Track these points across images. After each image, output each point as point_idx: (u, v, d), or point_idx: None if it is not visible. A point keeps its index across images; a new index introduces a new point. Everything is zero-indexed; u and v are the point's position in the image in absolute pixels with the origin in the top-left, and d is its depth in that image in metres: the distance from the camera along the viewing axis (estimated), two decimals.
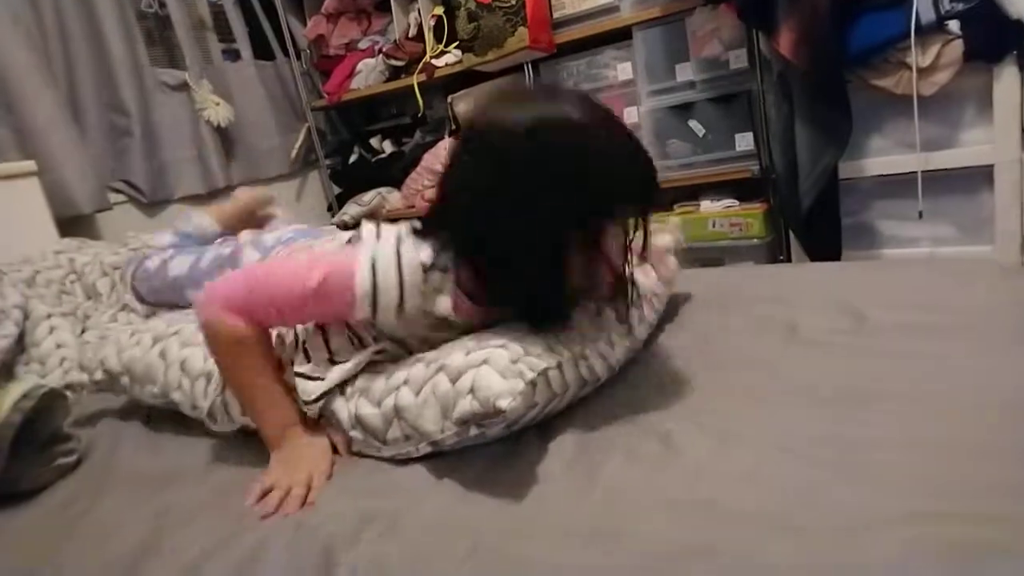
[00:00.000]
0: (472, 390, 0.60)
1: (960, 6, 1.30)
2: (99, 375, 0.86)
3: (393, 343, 0.75)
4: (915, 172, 1.41)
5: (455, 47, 2.01)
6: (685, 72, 1.63)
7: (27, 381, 0.73)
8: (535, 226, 0.63)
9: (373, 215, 2.37)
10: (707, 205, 1.71)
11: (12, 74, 1.62)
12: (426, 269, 0.68)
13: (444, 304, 0.70)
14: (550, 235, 0.64)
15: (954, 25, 1.30)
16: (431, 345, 0.72)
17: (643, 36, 1.66)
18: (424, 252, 0.69)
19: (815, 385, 0.67)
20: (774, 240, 1.63)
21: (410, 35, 2.17)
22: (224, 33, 2.28)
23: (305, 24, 2.42)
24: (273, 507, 0.64)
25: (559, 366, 0.66)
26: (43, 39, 1.77)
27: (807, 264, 1.45)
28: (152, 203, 2.01)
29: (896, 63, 1.36)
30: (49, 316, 1.06)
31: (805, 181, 1.40)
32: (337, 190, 2.53)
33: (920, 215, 1.42)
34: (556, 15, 1.75)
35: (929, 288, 0.89)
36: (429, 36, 2.06)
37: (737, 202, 1.67)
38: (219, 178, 2.12)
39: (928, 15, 1.30)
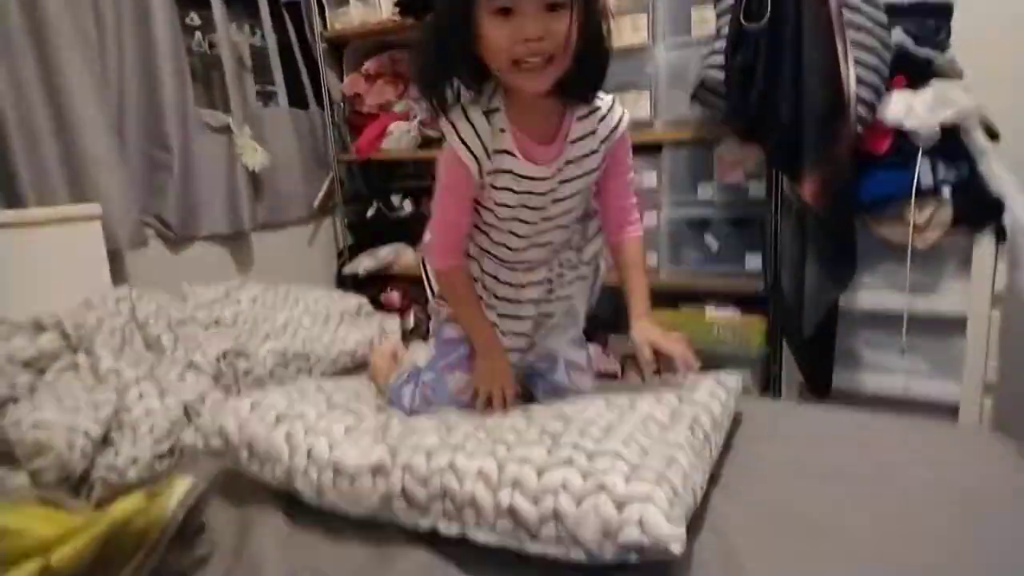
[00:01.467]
0: (640, 524, 0.69)
1: (952, 177, 1.51)
2: (216, 442, 0.92)
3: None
4: (901, 312, 1.60)
5: None
6: (707, 191, 1.81)
7: (186, 479, 0.78)
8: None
9: (385, 270, 2.46)
10: (711, 311, 1.87)
11: (75, 113, 1.67)
12: (485, 111, 0.93)
13: (508, 139, 0.94)
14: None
15: (947, 192, 1.51)
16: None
17: (672, 154, 1.83)
18: (477, 103, 0.94)
19: None
20: (771, 353, 1.79)
21: None
22: (263, 77, 2.37)
23: (341, 77, 2.53)
24: (484, 406, 0.99)
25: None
26: (103, 72, 1.82)
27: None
28: (179, 239, 2.06)
29: (896, 216, 1.55)
30: (138, 381, 1.10)
31: (809, 310, 1.57)
32: (350, 240, 2.61)
33: (903, 352, 1.61)
34: None
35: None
36: None
37: (739, 313, 1.83)
38: (245, 219, 2.18)
39: (927, 180, 1.50)
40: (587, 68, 0.92)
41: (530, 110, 0.95)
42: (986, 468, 0.99)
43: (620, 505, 0.71)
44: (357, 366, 1.47)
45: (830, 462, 1.01)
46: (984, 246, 1.51)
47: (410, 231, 2.46)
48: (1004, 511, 0.87)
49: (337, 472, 0.84)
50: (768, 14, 1.43)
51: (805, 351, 1.62)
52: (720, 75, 1.55)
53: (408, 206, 2.52)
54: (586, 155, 1.00)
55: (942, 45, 1.56)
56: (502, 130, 0.94)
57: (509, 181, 0.97)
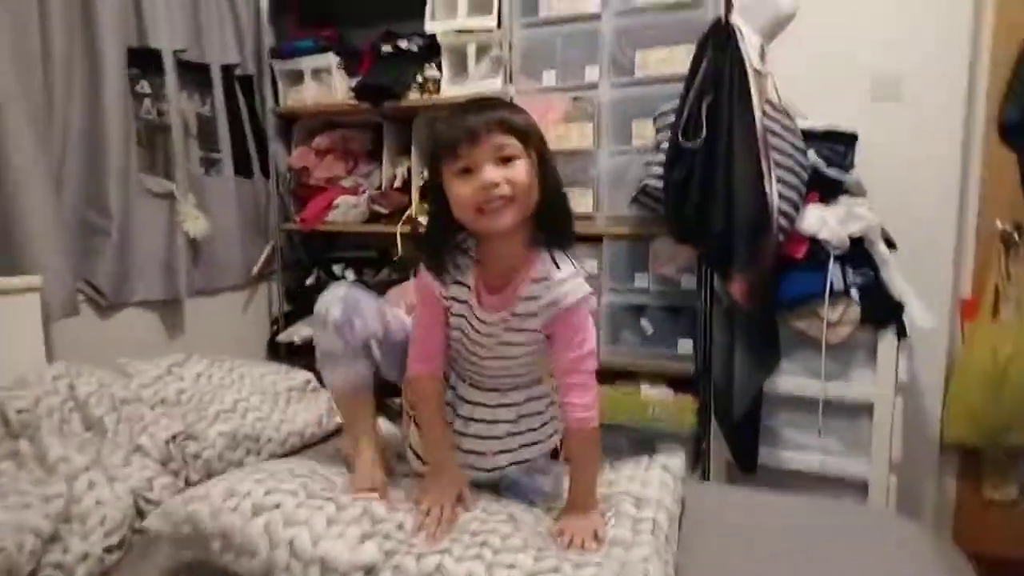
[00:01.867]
0: None
1: (859, 281, 1.71)
2: (186, 530, 0.89)
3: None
4: (818, 397, 1.76)
5: None
6: (643, 280, 1.95)
7: None
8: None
9: None
10: (646, 390, 1.98)
11: (16, 175, 1.61)
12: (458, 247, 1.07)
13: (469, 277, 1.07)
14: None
15: (855, 294, 1.71)
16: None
17: (611, 245, 1.97)
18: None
19: None
20: (701, 432, 1.91)
21: (395, 186, 2.37)
22: (208, 144, 2.35)
23: (290, 149, 2.56)
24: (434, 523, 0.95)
25: None
26: (48, 135, 1.77)
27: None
28: (109, 306, 1.98)
29: (812, 314, 1.73)
30: (87, 468, 1.05)
31: (738, 394, 1.70)
32: (287, 308, 2.58)
33: (819, 432, 1.77)
34: None
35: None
36: (416, 196, 2.27)
37: (672, 393, 1.96)
38: (182, 287, 2.13)
39: (838, 283, 1.70)
40: (551, 216, 1.05)
41: (495, 259, 1.07)
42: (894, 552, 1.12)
43: None
44: (305, 446, 1.46)
45: (766, 551, 1.11)
46: (888, 341, 1.71)
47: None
48: None
49: (325, 569, 0.85)
50: (704, 135, 1.61)
51: (734, 431, 1.75)
52: (659, 184, 1.71)
53: (350, 275, 2.53)
54: (530, 315, 1.06)
55: (848, 167, 1.80)
56: (467, 266, 1.08)
57: (463, 309, 1.09)
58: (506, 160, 0.98)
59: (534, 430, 1.18)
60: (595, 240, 1.99)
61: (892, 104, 2.05)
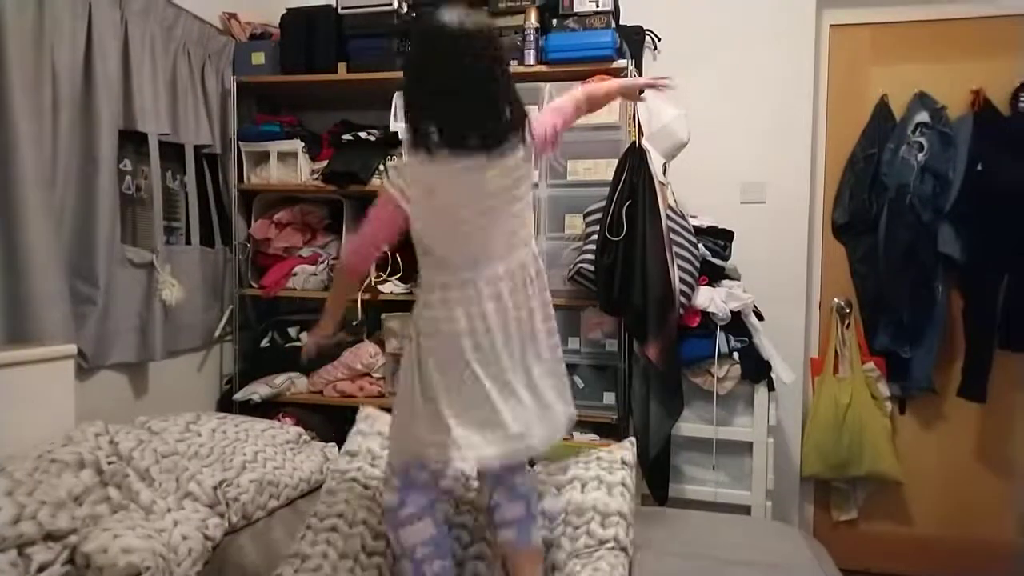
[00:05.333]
0: None
1: (739, 345, 2.23)
2: None
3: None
4: (711, 439, 2.23)
5: (397, 278, 2.55)
6: (575, 343, 2.37)
7: None
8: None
9: (279, 397, 2.64)
10: (578, 436, 2.37)
11: (30, 254, 1.77)
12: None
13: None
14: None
15: (736, 355, 2.21)
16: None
17: None
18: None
19: None
20: None
21: None
22: (174, 217, 2.55)
23: (248, 220, 2.79)
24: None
25: None
26: (51, 212, 1.93)
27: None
28: (88, 369, 2.11)
29: (705, 371, 2.22)
30: (169, 510, 1.25)
31: (653, 437, 2.14)
32: (242, 367, 2.75)
33: (714, 467, 2.23)
34: None
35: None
36: (373, 268, 2.58)
37: (599, 437, 2.36)
38: (157, 350, 2.28)
39: (724, 347, 2.20)
40: None
41: None
42: (776, 542, 1.57)
43: None
44: (312, 490, 1.71)
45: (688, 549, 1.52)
46: (761, 393, 2.22)
47: (303, 361, 2.68)
48: (789, 573, 1.42)
49: None
50: (625, 231, 2.08)
51: (650, 468, 2.17)
52: (591, 267, 2.16)
53: (304, 338, 2.76)
54: None
55: (727, 257, 2.34)
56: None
57: None
58: None
59: None
60: None
61: (757, 206, 2.65)
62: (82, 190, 2.06)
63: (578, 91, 1.52)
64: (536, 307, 1.35)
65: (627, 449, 1.73)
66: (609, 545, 1.40)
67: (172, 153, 2.49)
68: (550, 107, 1.49)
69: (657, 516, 1.81)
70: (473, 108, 1.24)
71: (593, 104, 1.54)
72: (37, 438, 1.39)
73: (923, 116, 2.55)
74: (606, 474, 1.63)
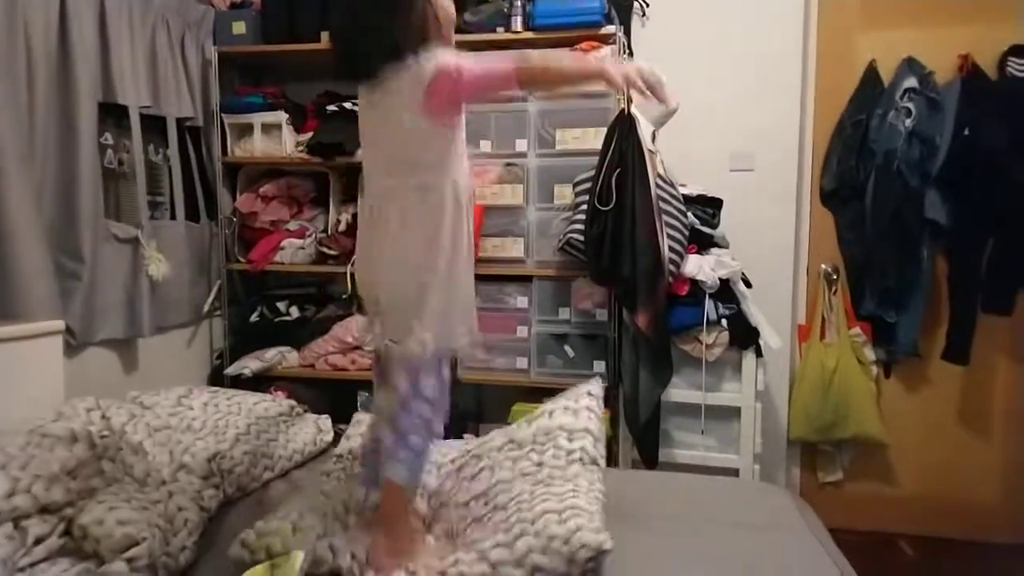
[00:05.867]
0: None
1: (727, 312, 2.24)
2: None
3: None
4: (700, 404, 2.27)
5: None
6: (565, 313, 2.38)
7: (297, 551, 1.02)
8: None
9: (270, 371, 2.64)
10: None
11: (11, 225, 1.74)
12: None
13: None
14: None
15: (724, 323, 2.23)
16: None
17: (539, 284, 2.39)
18: None
19: None
20: (612, 436, 2.35)
21: (340, 229, 2.65)
22: (159, 191, 2.52)
23: (233, 194, 2.76)
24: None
25: None
26: (31, 184, 1.90)
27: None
28: (77, 345, 2.09)
29: (694, 338, 2.24)
30: (164, 482, 1.25)
31: (643, 404, 2.17)
32: (231, 343, 2.75)
33: (703, 432, 2.27)
34: (480, 254, 2.41)
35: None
36: None
37: None
38: (145, 326, 2.27)
39: (712, 314, 2.22)
40: None
41: None
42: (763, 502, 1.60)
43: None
44: (305, 461, 1.72)
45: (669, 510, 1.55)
46: (749, 359, 2.25)
47: (293, 335, 2.69)
48: (776, 531, 1.45)
49: None
50: (614, 201, 2.08)
51: (641, 434, 2.20)
52: (580, 237, 2.16)
53: (295, 312, 2.76)
54: None
55: (716, 225, 2.35)
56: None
57: None
58: None
59: None
60: (526, 280, 2.40)
61: (746, 174, 2.65)
62: (63, 163, 2.03)
63: (535, 54, 1.26)
64: None
65: (593, 384, 1.77)
66: (577, 455, 1.43)
67: (154, 126, 2.45)
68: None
69: (646, 479, 1.84)
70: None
71: (554, 78, 1.33)
72: (26, 415, 1.39)
73: (911, 81, 2.54)
74: (572, 403, 1.67)
